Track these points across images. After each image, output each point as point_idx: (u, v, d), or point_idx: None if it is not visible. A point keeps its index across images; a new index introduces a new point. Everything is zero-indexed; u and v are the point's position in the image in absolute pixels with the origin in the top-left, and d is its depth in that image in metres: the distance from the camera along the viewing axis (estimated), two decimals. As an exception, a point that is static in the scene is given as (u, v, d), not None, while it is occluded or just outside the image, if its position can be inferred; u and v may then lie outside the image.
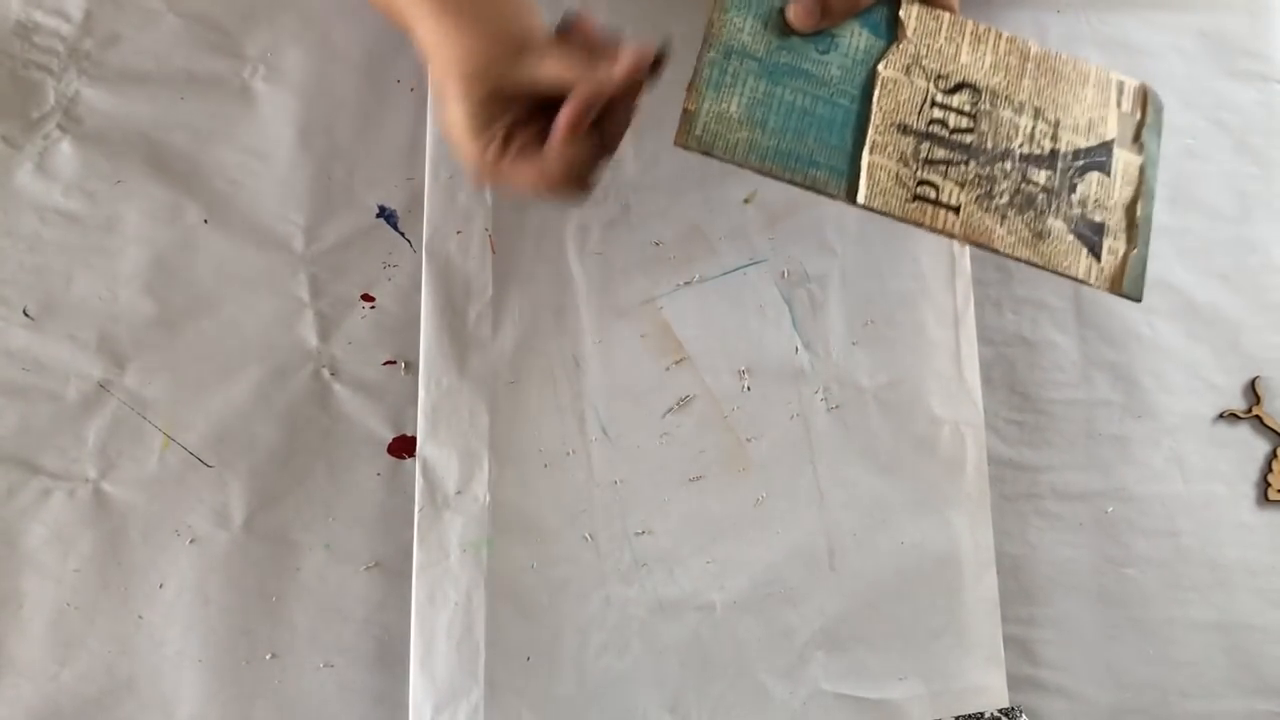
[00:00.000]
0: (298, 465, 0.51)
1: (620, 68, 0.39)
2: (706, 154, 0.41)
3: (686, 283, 0.55)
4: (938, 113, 0.43)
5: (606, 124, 0.41)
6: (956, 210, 0.43)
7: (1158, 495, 0.56)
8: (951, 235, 0.43)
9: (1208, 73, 0.61)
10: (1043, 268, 0.43)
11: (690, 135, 0.41)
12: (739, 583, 0.52)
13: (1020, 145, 0.44)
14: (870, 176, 0.42)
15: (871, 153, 0.42)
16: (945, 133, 0.43)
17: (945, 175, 0.43)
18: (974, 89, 0.44)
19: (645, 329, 0.54)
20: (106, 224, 0.51)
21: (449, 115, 0.40)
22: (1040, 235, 0.43)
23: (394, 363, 0.52)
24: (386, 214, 0.53)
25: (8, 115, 0.51)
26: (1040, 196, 0.44)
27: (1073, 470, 0.56)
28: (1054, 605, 0.55)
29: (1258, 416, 0.57)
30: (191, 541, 0.49)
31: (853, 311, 0.56)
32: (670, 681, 0.51)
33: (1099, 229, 0.44)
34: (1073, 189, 0.44)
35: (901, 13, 0.43)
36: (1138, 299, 0.44)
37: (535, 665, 0.50)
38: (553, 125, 0.40)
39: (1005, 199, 0.43)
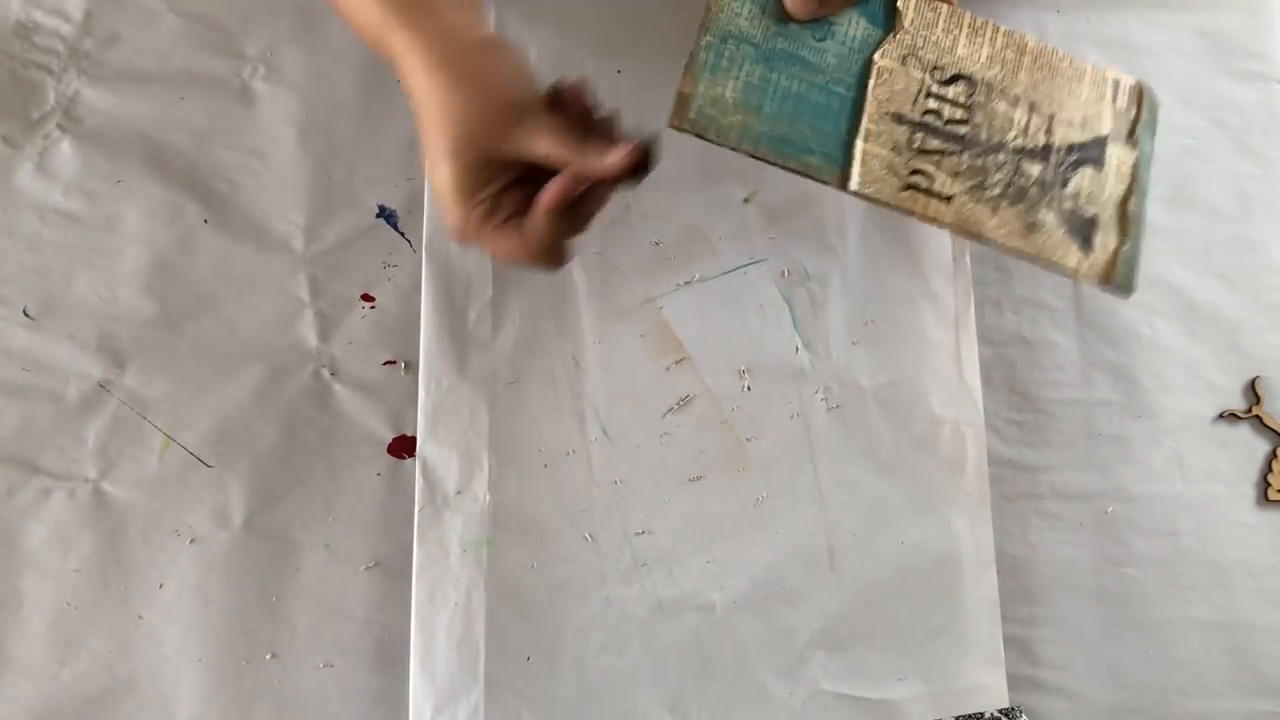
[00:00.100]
0: (298, 465, 0.51)
1: (613, 162, 0.39)
2: (701, 137, 0.41)
3: (686, 283, 0.55)
4: (933, 103, 0.43)
5: (583, 205, 0.42)
6: (948, 200, 0.43)
7: (1158, 495, 0.56)
8: (943, 225, 0.43)
9: (1207, 72, 0.61)
10: (1033, 259, 0.44)
11: (685, 118, 0.41)
12: (739, 583, 0.52)
13: (1014, 138, 0.44)
14: (863, 164, 0.42)
15: (865, 140, 0.42)
16: (940, 123, 0.43)
17: (938, 165, 0.43)
18: (970, 81, 0.44)
19: (645, 329, 0.54)
20: (106, 224, 0.51)
21: (437, 176, 0.40)
22: (1031, 227, 0.44)
23: (394, 363, 0.52)
24: (386, 214, 0.53)
25: (8, 115, 0.51)
26: (1033, 189, 0.44)
27: (1073, 470, 0.56)
28: (1054, 605, 0.55)
29: (1258, 416, 0.57)
30: (191, 541, 0.49)
31: (853, 311, 0.56)
32: (670, 681, 0.51)
33: (1090, 223, 0.44)
34: (1065, 183, 0.44)
35: (899, 3, 0.43)
36: (1128, 294, 0.45)
37: (535, 665, 0.50)
38: (536, 201, 0.40)
39: (998, 190, 0.43)
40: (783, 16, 0.42)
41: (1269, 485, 0.57)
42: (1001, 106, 0.44)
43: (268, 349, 0.51)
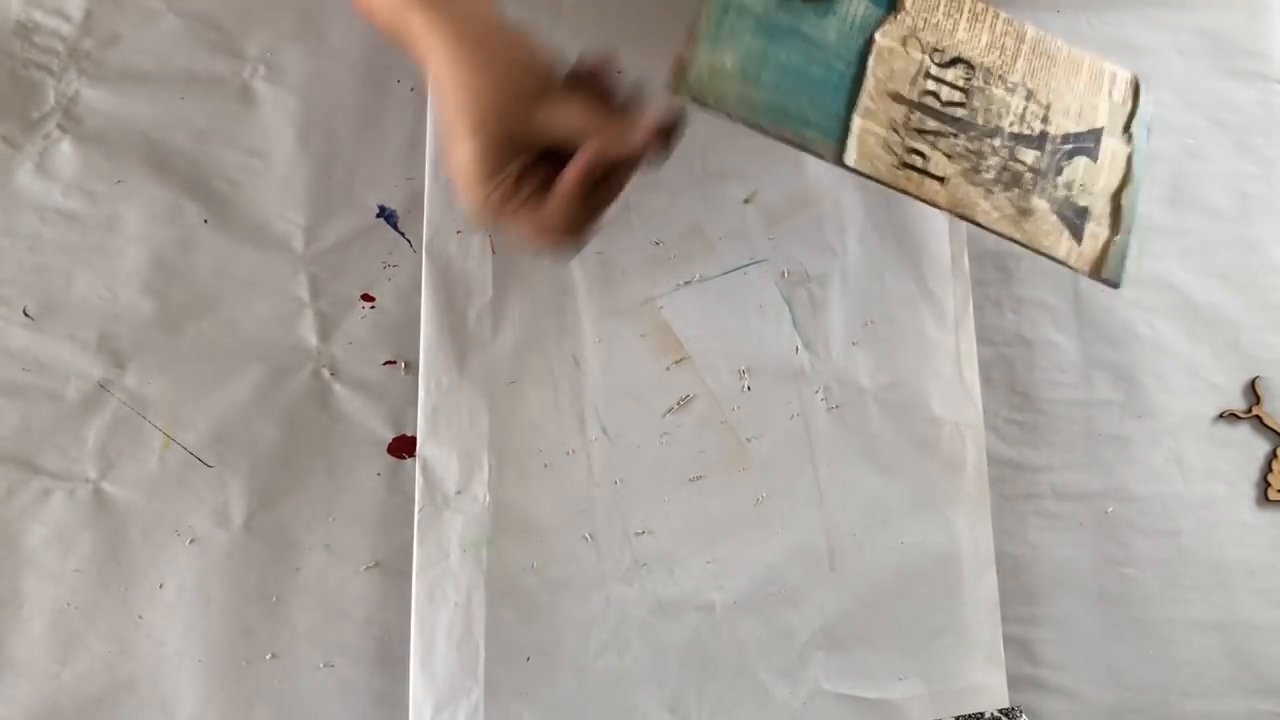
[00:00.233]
0: (298, 465, 0.51)
1: (640, 135, 0.39)
2: (699, 104, 0.41)
3: (686, 283, 0.55)
4: (931, 85, 0.43)
5: (606, 184, 0.41)
6: (943, 181, 0.43)
7: (1158, 495, 0.56)
8: (936, 205, 0.43)
9: (1207, 72, 0.61)
10: (1024, 245, 0.44)
11: (683, 84, 0.41)
12: (739, 583, 0.52)
13: (1011, 124, 0.44)
14: (860, 140, 0.42)
15: (863, 117, 0.42)
16: (937, 104, 0.43)
17: (934, 146, 0.43)
18: (968, 65, 0.44)
19: (645, 329, 0.54)
20: (106, 224, 0.51)
21: (457, 154, 0.40)
22: (1024, 213, 0.44)
23: (394, 363, 0.52)
24: (386, 214, 0.53)
25: (8, 115, 0.51)
26: (1027, 175, 0.44)
27: (1073, 470, 0.56)
28: (1054, 605, 0.55)
29: (1258, 416, 0.57)
30: (191, 541, 0.49)
31: (853, 311, 0.56)
32: (670, 681, 0.51)
33: (1082, 213, 0.45)
34: (1059, 171, 0.44)
35: None
36: (1116, 285, 0.45)
37: (535, 665, 0.50)
38: (559, 179, 0.40)
39: (992, 174, 0.43)
40: None
41: (1269, 485, 0.57)
42: (999, 92, 0.44)
43: (268, 349, 0.51)
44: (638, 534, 0.52)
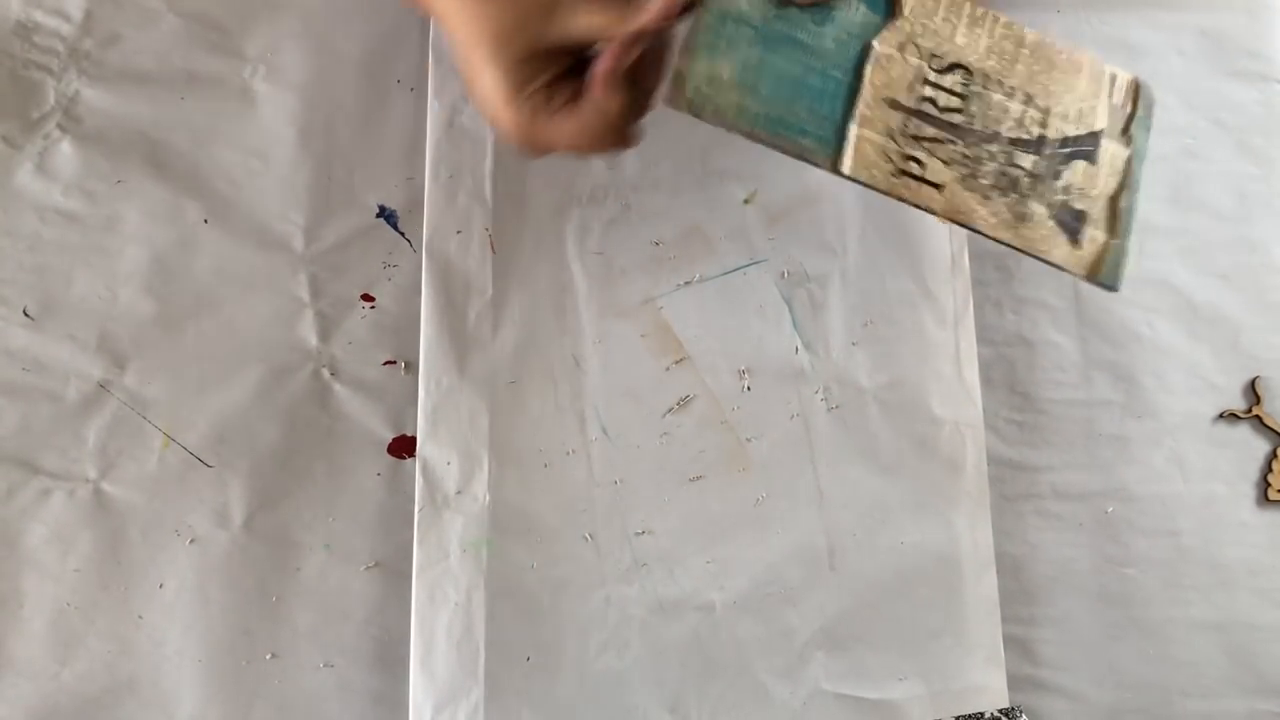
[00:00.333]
0: (298, 465, 0.51)
1: (654, 11, 0.38)
2: (696, 116, 0.41)
3: (686, 283, 0.55)
4: (929, 91, 0.43)
5: (641, 74, 0.40)
6: (940, 188, 0.43)
7: (1158, 495, 0.56)
8: (933, 212, 0.43)
9: (1208, 72, 0.61)
10: (1021, 250, 0.44)
11: (681, 96, 0.40)
12: (739, 583, 0.52)
13: (1008, 129, 0.44)
14: (856, 148, 0.42)
15: (860, 125, 0.42)
16: (935, 111, 0.43)
17: (932, 153, 0.43)
18: (967, 70, 0.44)
19: (645, 329, 0.54)
20: (106, 224, 0.51)
21: (481, 84, 0.39)
22: (1021, 218, 0.44)
23: (394, 363, 0.52)
24: (386, 214, 0.53)
25: (8, 115, 0.51)
26: (1024, 180, 0.44)
27: (1073, 470, 0.56)
28: (1054, 605, 0.55)
29: (1258, 416, 0.57)
30: (191, 541, 0.49)
31: (853, 311, 0.56)
32: (670, 681, 0.51)
33: (1080, 217, 0.45)
34: (1057, 176, 0.44)
35: None
36: (1114, 289, 0.45)
37: (535, 665, 0.50)
38: (589, 78, 0.39)
39: (989, 180, 0.43)
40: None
41: (1269, 485, 0.57)
42: (997, 97, 0.44)
43: (268, 349, 0.51)
44: (638, 534, 0.52)
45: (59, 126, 0.51)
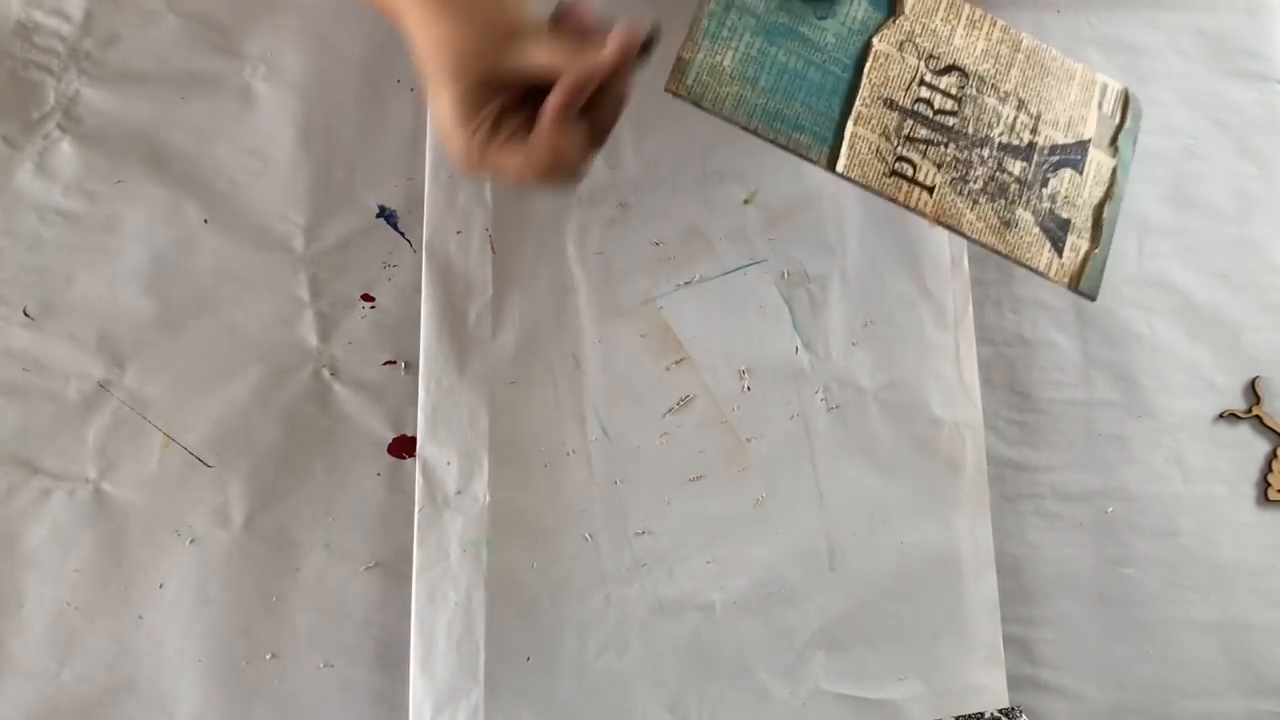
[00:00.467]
0: (298, 465, 0.51)
1: (608, 51, 0.38)
2: (695, 104, 0.41)
3: (686, 283, 0.55)
4: (924, 92, 0.43)
5: (596, 112, 0.40)
6: (931, 190, 0.43)
7: (1158, 495, 0.56)
8: (923, 214, 0.43)
9: (1208, 73, 0.61)
10: (1006, 256, 0.44)
11: (682, 83, 0.41)
12: (739, 583, 0.52)
13: (1000, 134, 0.44)
14: (851, 147, 0.42)
15: (855, 123, 0.42)
16: (930, 113, 0.43)
17: (924, 155, 0.43)
18: (963, 73, 0.44)
19: (645, 329, 0.54)
20: (106, 224, 0.51)
21: (437, 105, 0.40)
22: (1008, 224, 0.44)
23: (394, 363, 0.52)
24: (386, 214, 0.53)
25: (8, 115, 0.51)
26: (1013, 186, 0.44)
27: (1073, 470, 0.56)
28: (1054, 605, 0.55)
29: (1258, 416, 0.57)
30: (191, 541, 0.49)
31: (853, 311, 0.56)
32: (670, 681, 0.51)
33: (1065, 225, 0.45)
34: (1045, 183, 0.45)
35: None
36: (1093, 298, 0.45)
37: (535, 665, 0.50)
38: (541, 111, 0.39)
39: (979, 185, 0.44)
40: None
41: (1269, 485, 0.57)
42: (991, 101, 0.44)
43: (268, 349, 0.51)
44: (638, 534, 0.52)
45: (59, 126, 0.51)
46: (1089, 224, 0.45)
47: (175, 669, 0.48)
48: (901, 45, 0.43)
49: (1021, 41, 0.45)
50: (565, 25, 0.40)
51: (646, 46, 0.39)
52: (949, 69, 0.44)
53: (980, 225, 0.44)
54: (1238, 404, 0.58)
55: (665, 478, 0.53)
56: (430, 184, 0.53)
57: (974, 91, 0.44)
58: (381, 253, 0.53)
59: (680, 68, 0.41)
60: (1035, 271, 0.44)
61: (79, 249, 0.51)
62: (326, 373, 0.52)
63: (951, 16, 0.44)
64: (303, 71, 0.54)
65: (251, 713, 0.48)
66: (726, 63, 0.41)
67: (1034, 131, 0.45)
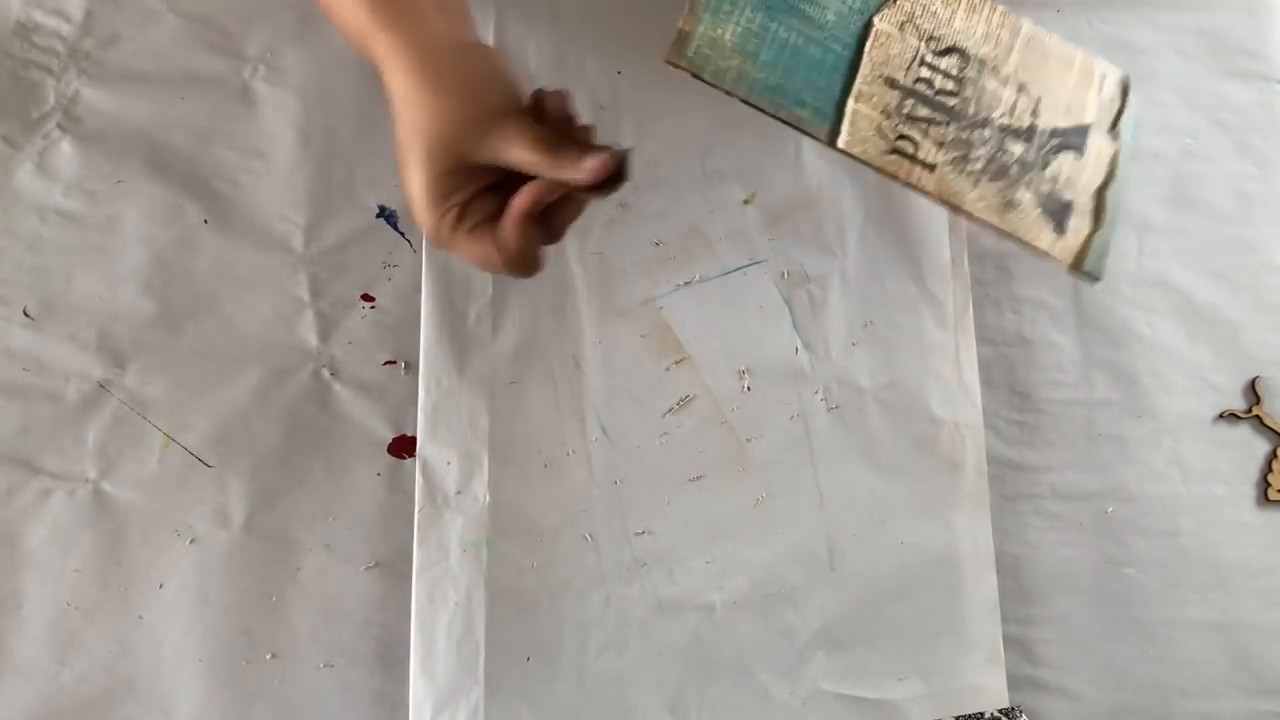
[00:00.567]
0: (298, 465, 0.51)
1: (584, 172, 0.39)
2: (696, 76, 0.41)
3: (686, 283, 0.55)
4: (925, 72, 0.44)
5: (556, 214, 0.41)
6: (931, 169, 0.43)
7: (1158, 495, 0.56)
8: (924, 192, 0.43)
9: (1208, 72, 0.61)
10: (1007, 235, 0.44)
11: (682, 55, 0.41)
12: (739, 583, 0.52)
13: (1001, 116, 0.44)
14: (852, 123, 0.42)
15: (856, 100, 0.42)
16: (930, 92, 0.44)
17: (925, 133, 0.43)
18: (963, 55, 0.44)
19: (645, 329, 0.54)
20: (106, 224, 0.51)
21: (410, 179, 0.40)
22: (1009, 204, 0.44)
23: (394, 363, 0.52)
24: (386, 214, 0.53)
25: (8, 115, 0.51)
26: (1014, 167, 0.44)
27: (1073, 470, 0.56)
28: (1054, 605, 0.55)
29: (1258, 416, 0.57)
30: (191, 541, 0.49)
31: (853, 312, 0.56)
32: (670, 681, 0.51)
33: (1066, 207, 0.45)
34: (1045, 165, 0.45)
35: None
36: (1096, 279, 0.45)
37: (535, 665, 0.50)
38: (507, 208, 0.40)
39: (980, 165, 0.44)
40: None
41: (1269, 485, 0.57)
42: (991, 84, 0.45)
43: (268, 349, 0.51)
44: (638, 534, 0.52)
45: (59, 126, 0.51)
46: (1090, 207, 0.45)
47: (175, 669, 0.48)
48: (902, 25, 0.43)
49: (1022, 27, 0.45)
50: (543, 111, 0.41)
51: (619, 175, 0.39)
52: (949, 50, 0.44)
53: (982, 205, 0.44)
54: (1238, 404, 0.58)
55: (665, 478, 0.53)
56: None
57: (974, 74, 0.44)
58: (381, 253, 0.53)
59: (681, 40, 0.41)
60: (1037, 251, 0.44)
61: (79, 249, 0.51)
62: (326, 373, 0.52)
63: (952, 0, 0.44)
64: (303, 71, 0.54)
65: (251, 713, 0.48)
66: (727, 36, 0.41)
67: (1034, 114, 0.45)
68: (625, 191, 0.55)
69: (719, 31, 0.41)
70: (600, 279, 0.54)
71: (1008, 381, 0.57)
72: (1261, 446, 0.57)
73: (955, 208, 0.43)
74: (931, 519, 0.54)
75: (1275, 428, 0.57)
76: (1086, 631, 0.55)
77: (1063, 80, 0.46)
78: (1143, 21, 0.61)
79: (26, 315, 0.50)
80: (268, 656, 0.49)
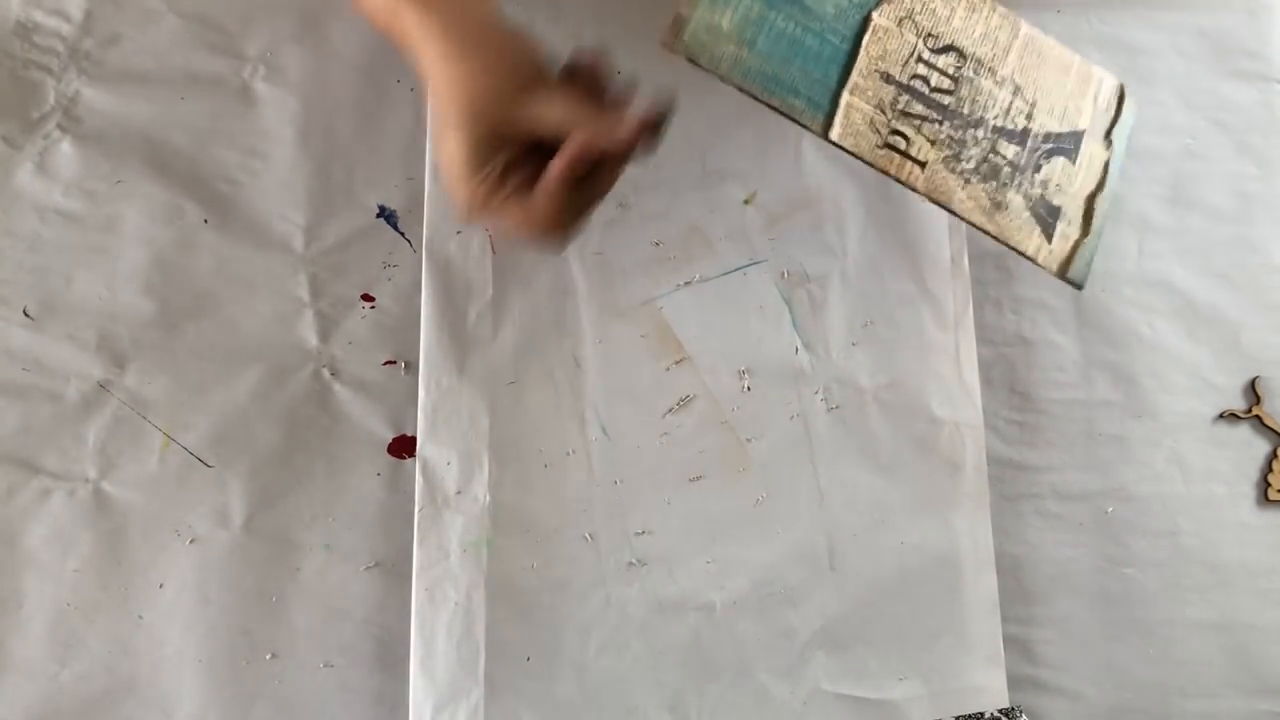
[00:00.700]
0: (298, 465, 0.51)
1: (625, 130, 0.38)
2: (692, 62, 0.41)
3: (686, 283, 0.55)
4: (922, 69, 0.44)
5: (596, 177, 0.41)
6: (923, 165, 0.43)
7: (1158, 495, 0.56)
8: (914, 189, 0.43)
9: (1208, 72, 0.61)
10: (995, 238, 0.44)
11: (679, 40, 0.41)
12: (739, 583, 0.52)
13: (995, 117, 0.44)
14: (846, 115, 0.42)
15: (851, 93, 0.42)
16: (926, 90, 0.44)
17: (918, 130, 0.43)
18: (960, 54, 0.44)
19: (645, 329, 0.54)
20: (106, 224, 0.51)
21: (445, 148, 0.40)
22: (998, 206, 0.44)
23: (394, 363, 0.52)
24: (386, 214, 0.53)
25: (8, 115, 0.51)
26: (1005, 169, 0.44)
27: (1073, 470, 0.56)
28: (1054, 605, 0.55)
29: (1258, 416, 0.57)
30: (191, 541, 0.49)
31: (853, 311, 0.56)
32: (670, 681, 0.51)
33: (1055, 212, 0.45)
34: (1037, 169, 0.45)
35: None
36: (1080, 287, 0.46)
37: (535, 665, 0.50)
38: (545, 172, 0.40)
39: (971, 165, 0.44)
40: None
41: (1269, 485, 0.57)
42: (987, 84, 0.44)
43: (268, 349, 0.51)
44: (638, 534, 0.52)
45: (59, 126, 0.51)
46: (1080, 213, 0.45)
47: (175, 669, 0.48)
48: (901, 21, 0.43)
49: (1020, 29, 0.45)
50: (578, 76, 0.41)
51: (657, 129, 0.39)
52: (947, 49, 0.44)
53: (970, 204, 0.44)
54: (1238, 404, 0.58)
55: (665, 478, 0.53)
56: (430, 184, 0.53)
57: (971, 73, 0.44)
58: (381, 253, 0.53)
59: (678, 24, 0.40)
60: (1024, 255, 0.44)
61: (79, 249, 0.51)
62: (326, 373, 0.52)
63: None
64: (303, 71, 0.54)
65: (251, 713, 0.48)
66: (725, 23, 0.41)
67: (1029, 117, 0.45)
68: (625, 191, 0.55)
69: (717, 17, 0.41)
70: (600, 279, 0.54)
71: (1008, 381, 0.57)
72: (1261, 446, 0.57)
73: (944, 206, 0.43)
74: (931, 519, 0.54)
75: (1275, 428, 0.57)
76: (1086, 631, 0.55)
77: (1059, 84, 0.46)
78: (1143, 21, 0.61)
79: (26, 315, 0.50)
80: (268, 656, 0.49)
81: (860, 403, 0.55)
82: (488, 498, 0.51)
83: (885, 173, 0.43)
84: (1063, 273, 0.45)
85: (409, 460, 0.51)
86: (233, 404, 0.50)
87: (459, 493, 0.51)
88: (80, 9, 0.53)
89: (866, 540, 0.54)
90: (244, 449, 0.50)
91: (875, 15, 0.43)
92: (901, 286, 0.56)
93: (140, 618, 0.48)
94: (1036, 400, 0.57)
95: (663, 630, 0.51)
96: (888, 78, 0.43)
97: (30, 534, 0.48)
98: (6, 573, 0.48)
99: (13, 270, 0.50)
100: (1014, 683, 0.53)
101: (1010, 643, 0.54)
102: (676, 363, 0.54)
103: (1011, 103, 0.45)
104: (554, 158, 0.39)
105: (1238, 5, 0.62)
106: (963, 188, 0.44)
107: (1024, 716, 0.53)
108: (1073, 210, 0.45)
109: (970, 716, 0.52)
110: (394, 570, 0.50)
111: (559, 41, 0.55)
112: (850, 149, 0.42)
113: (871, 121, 0.43)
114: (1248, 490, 0.57)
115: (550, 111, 0.39)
